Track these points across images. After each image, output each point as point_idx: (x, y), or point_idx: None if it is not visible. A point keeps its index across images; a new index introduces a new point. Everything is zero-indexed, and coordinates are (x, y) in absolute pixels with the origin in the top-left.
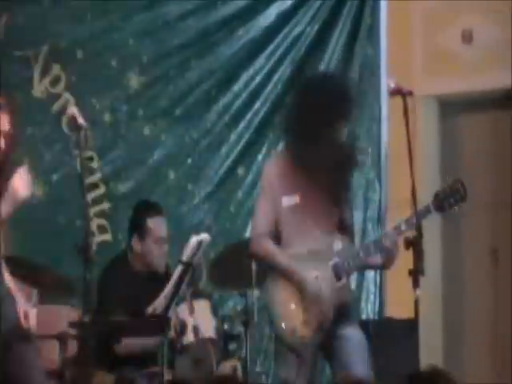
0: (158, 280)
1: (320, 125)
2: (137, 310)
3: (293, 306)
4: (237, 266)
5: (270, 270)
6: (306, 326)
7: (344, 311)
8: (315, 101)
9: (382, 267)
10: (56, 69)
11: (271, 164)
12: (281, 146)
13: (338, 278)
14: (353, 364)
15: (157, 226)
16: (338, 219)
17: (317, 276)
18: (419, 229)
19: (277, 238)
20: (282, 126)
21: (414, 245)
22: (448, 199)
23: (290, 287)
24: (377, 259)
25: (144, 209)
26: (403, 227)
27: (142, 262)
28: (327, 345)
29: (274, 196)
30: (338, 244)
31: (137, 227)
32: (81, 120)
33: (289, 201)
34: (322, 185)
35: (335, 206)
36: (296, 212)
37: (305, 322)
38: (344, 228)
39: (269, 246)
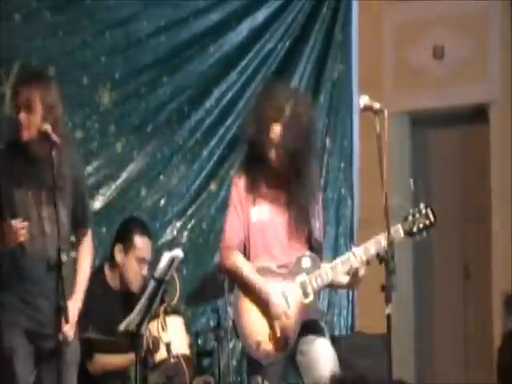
0: (132, 299)
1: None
2: (110, 327)
3: (258, 320)
4: (210, 286)
5: (236, 283)
6: (270, 341)
7: (311, 328)
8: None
9: (348, 287)
10: None
11: (239, 176)
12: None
13: (306, 295)
14: (323, 378)
15: (143, 245)
16: (306, 235)
17: (283, 292)
18: (391, 244)
19: (245, 251)
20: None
21: (386, 260)
22: (417, 224)
23: (255, 301)
24: (343, 279)
25: (134, 224)
26: (372, 249)
27: (119, 277)
28: (296, 359)
29: (242, 209)
30: (307, 261)
31: (123, 239)
32: (54, 137)
33: (257, 214)
34: (290, 200)
35: (303, 222)
36: (264, 226)
37: (269, 337)
38: (313, 245)
39: (237, 259)
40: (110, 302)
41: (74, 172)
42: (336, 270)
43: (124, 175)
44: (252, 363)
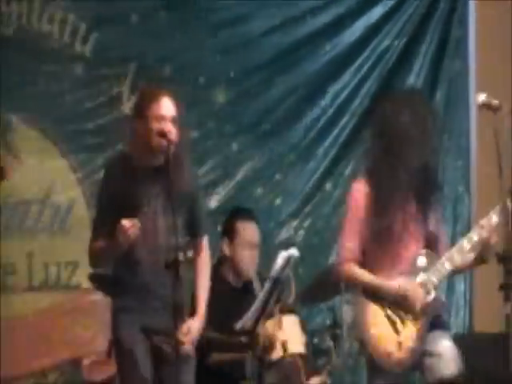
0: (248, 292)
1: (397, 149)
2: (227, 322)
3: (386, 328)
4: (326, 285)
5: (359, 293)
6: (401, 348)
7: (437, 323)
8: (389, 126)
9: (477, 263)
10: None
11: (359, 184)
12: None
13: (428, 293)
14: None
15: (246, 229)
16: (424, 237)
17: (420, 282)
18: (511, 244)
19: (363, 260)
20: (364, 148)
21: (505, 259)
22: None
23: (380, 309)
24: (468, 259)
25: (235, 212)
26: (494, 219)
27: (232, 270)
28: (421, 361)
29: (361, 217)
30: (422, 260)
31: (227, 230)
32: (172, 136)
33: (376, 223)
34: (408, 205)
35: (422, 226)
36: (383, 234)
37: (399, 344)
38: (429, 242)
39: (356, 269)
40: (227, 298)
41: (190, 177)
42: (452, 259)
43: (239, 174)
44: (374, 368)
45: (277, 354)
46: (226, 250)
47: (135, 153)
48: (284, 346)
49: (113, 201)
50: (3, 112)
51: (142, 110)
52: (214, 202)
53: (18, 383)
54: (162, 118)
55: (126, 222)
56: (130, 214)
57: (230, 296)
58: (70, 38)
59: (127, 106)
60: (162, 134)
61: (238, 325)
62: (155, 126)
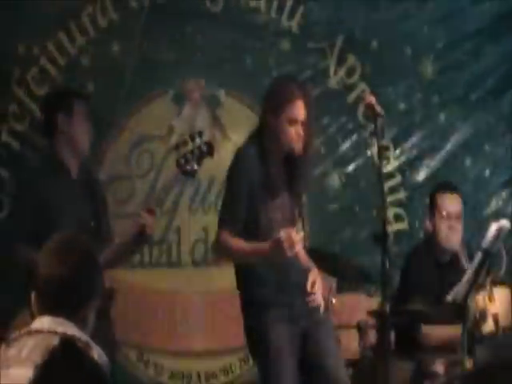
0: (454, 266)
1: None
2: (436, 296)
3: None
4: None
5: None
6: None
7: None
8: None
9: None
10: (351, 59)
11: None
12: None
13: None
14: None
15: (445, 201)
16: None
17: None
18: None
19: None
20: None
21: None
22: None
23: None
24: None
25: (437, 188)
26: None
27: (436, 243)
28: None
29: None
30: None
31: (429, 207)
32: (378, 108)
33: None
34: None
35: None
36: None
37: None
38: None
39: None
40: (433, 273)
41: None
42: None
43: (448, 146)
44: None
45: (488, 327)
46: (428, 227)
47: (268, 142)
48: (496, 319)
49: (250, 188)
50: (212, 87)
51: (277, 110)
52: (421, 175)
53: (220, 357)
54: (295, 122)
55: (291, 232)
56: (265, 203)
57: (436, 271)
58: (276, 13)
59: (334, 80)
60: (294, 137)
61: (449, 297)
62: (288, 127)
